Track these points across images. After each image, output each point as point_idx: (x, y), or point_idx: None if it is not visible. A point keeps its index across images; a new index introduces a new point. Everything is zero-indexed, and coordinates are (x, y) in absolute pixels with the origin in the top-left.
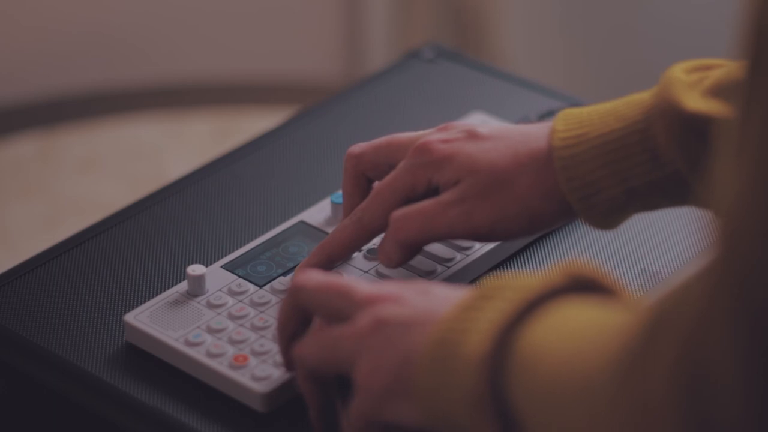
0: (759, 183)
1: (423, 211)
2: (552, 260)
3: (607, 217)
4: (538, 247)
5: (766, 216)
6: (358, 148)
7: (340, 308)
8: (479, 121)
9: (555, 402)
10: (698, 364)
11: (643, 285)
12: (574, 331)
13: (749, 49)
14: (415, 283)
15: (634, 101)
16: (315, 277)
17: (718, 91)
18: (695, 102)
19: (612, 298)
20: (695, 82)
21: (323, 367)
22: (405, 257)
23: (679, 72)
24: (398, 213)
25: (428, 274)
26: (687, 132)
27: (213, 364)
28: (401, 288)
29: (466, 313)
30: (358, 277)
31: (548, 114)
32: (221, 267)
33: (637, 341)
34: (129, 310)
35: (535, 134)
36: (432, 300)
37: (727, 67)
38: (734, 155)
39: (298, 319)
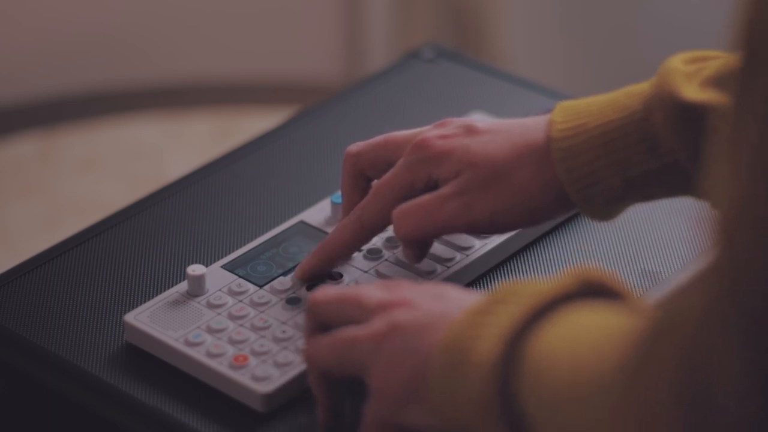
0: (755, 184)
1: (422, 205)
2: (552, 261)
3: (606, 207)
4: (537, 247)
5: (762, 218)
6: (356, 147)
7: (353, 316)
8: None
9: (563, 407)
10: (699, 367)
11: (643, 285)
12: (582, 336)
13: (744, 41)
14: (428, 287)
15: (632, 92)
16: (327, 291)
17: (716, 82)
18: (693, 92)
19: (621, 302)
20: (693, 72)
21: (337, 369)
22: (416, 253)
23: (677, 62)
24: (398, 209)
25: (428, 274)
26: (685, 121)
27: (213, 364)
28: (414, 293)
29: (478, 318)
30: (370, 285)
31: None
32: (221, 267)
33: (641, 346)
34: (129, 310)
35: (533, 126)
36: (446, 304)
37: (724, 59)
38: (729, 152)
39: (322, 333)
